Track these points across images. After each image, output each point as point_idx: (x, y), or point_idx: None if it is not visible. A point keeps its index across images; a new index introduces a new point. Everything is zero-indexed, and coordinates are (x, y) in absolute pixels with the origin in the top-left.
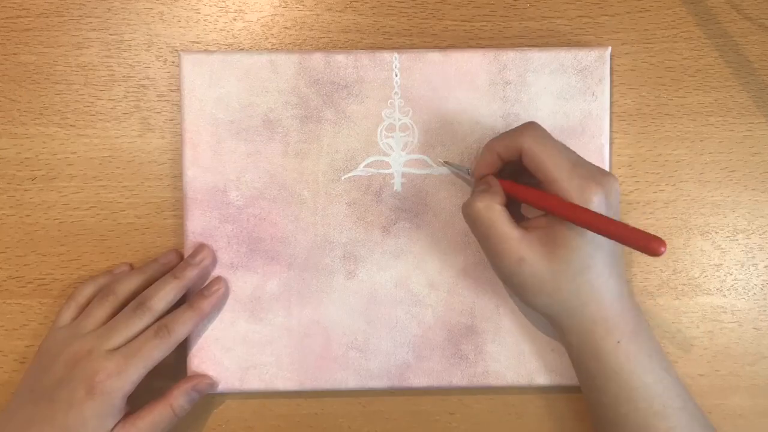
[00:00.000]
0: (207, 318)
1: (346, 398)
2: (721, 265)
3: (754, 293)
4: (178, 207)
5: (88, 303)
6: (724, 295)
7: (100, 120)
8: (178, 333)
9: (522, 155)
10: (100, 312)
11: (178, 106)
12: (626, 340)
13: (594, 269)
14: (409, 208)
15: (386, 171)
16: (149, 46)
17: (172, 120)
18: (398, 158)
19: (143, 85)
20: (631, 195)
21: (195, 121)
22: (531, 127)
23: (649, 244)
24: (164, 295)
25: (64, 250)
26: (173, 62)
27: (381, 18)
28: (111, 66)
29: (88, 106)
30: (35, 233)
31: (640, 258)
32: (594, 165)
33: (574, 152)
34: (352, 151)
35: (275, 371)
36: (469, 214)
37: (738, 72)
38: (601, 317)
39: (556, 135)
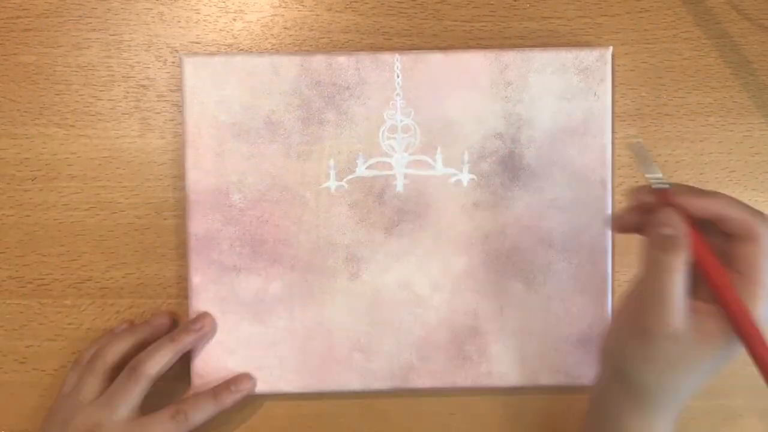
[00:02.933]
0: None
1: (347, 399)
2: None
3: None
4: (178, 207)
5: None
6: None
7: (100, 120)
8: (196, 422)
9: (746, 239)
10: (93, 379)
11: (177, 106)
12: None
13: (706, 374)
14: (412, 209)
15: (388, 172)
16: (149, 47)
17: (172, 120)
18: (400, 159)
19: (143, 86)
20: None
21: (197, 123)
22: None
23: None
24: (158, 360)
25: (64, 251)
26: (173, 62)
27: (381, 18)
28: (111, 66)
29: (88, 107)
30: (35, 233)
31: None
32: None
33: None
34: (354, 152)
35: (279, 373)
36: (652, 259)
37: (738, 72)
38: (667, 415)
39: (558, 135)
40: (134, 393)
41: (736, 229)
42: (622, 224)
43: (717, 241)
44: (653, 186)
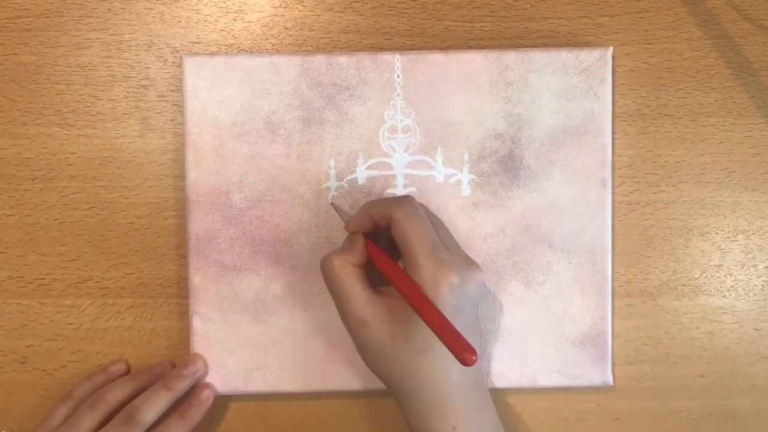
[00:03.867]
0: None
1: (346, 399)
2: (721, 265)
3: (754, 294)
4: (178, 207)
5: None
6: (724, 296)
7: (101, 120)
8: (149, 418)
9: (391, 226)
10: (89, 421)
11: (178, 106)
12: (462, 427)
13: (435, 351)
14: None
15: (388, 173)
16: (149, 47)
17: (172, 120)
18: (400, 160)
19: (143, 86)
20: (631, 196)
21: (197, 123)
22: (405, 201)
23: (462, 353)
24: (154, 407)
25: (64, 250)
26: (173, 62)
27: (381, 18)
28: (111, 66)
29: (89, 107)
30: (35, 233)
31: (640, 258)
32: (462, 253)
33: (447, 236)
34: (354, 152)
35: (279, 373)
36: (324, 268)
37: (738, 73)
38: (439, 401)
39: (558, 135)
40: None
41: (384, 223)
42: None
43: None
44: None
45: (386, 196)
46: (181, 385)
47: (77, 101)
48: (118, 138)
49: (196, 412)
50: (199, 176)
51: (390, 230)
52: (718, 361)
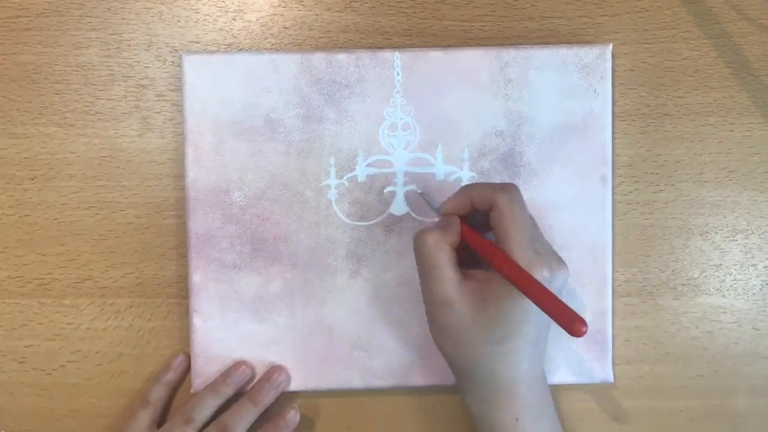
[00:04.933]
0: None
1: (345, 398)
2: (721, 265)
3: (754, 293)
4: (177, 207)
5: (163, 406)
6: (724, 296)
7: (100, 120)
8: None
9: (492, 209)
10: None
11: (177, 105)
12: (525, 418)
13: (513, 341)
14: (412, 206)
15: (389, 170)
16: (149, 46)
17: (171, 120)
18: (400, 157)
19: (143, 85)
20: (630, 195)
21: (197, 121)
22: (512, 188)
23: (572, 323)
24: (242, 423)
25: (64, 250)
26: (173, 62)
27: (380, 18)
28: (110, 66)
29: (88, 106)
30: (35, 233)
31: (639, 258)
32: (553, 251)
33: (541, 233)
34: (354, 150)
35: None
36: (417, 243)
37: (737, 72)
38: (506, 390)
39: (558, 133)
40: None
41: (484, 207)
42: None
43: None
44: (437, 209)
45: (485, 182)
46: (266, 400)
47: (76, 101)
48: (117, 138)
49: (268, 398)
50: (198, 174)
51: (487, 214)
52: (718, 360)
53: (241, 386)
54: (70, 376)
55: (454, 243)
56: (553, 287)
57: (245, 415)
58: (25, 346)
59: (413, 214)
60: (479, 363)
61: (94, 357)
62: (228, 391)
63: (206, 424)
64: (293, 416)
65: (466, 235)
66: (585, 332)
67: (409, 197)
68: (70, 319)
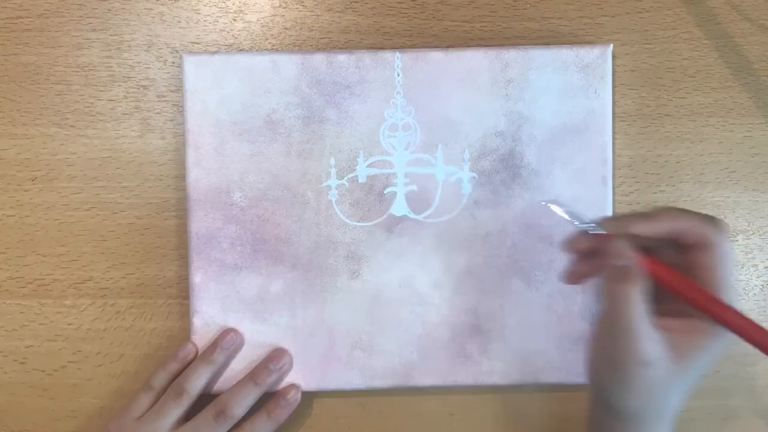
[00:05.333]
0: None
1: (345, 399)
2: None
3: (754, 294)
4: (178, 207)
5: (163, 392)
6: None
7: (100, 120)
8: (238, 413)
9: (703, 248)
10: (175, 413)
11: (178, 106)
12: None
13: (698, 377)
14: (413, 207)
15: (389, 171)
16: (149, 47)
17: (172, 120)
18: (401, 158)
19: (143, 86)
20: (631, 196)
21: (197, 122)
22: (725, 226)
23: None
24: (243, 402)
25: (64, 251)
26: (173, 63)
27: (381, 19)
28: (111, 66)
29: (88, 107)
30: (35, 234)
31: None
32: None
33: None
34: (354, 150)
35: None
36: (614, 292)
37: (738, 73)
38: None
39: (558, 133)
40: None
41: (691, 240)
42: (576, 276)
43: (666, 255)
44: (591, 232)
45: (691, 210)
46: (269, 380)
47: (77, 101)
48: (117, 138)
49: (284, 413)
50: (199, 175)
51: (676, 245)
52: (718, 361)
53: (232, 353)
54: (71, 377)
55: (646, 287)
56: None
57: (246, 394)
58: (26, 347)
59: (414, 215)
60: (654, 408)
61: (94, 357)
62: (219, 358)
63: (200, 396)
64: (294, 395)
65: (655, 271)
66: None
67: (409, 198)
68: (71, 320)
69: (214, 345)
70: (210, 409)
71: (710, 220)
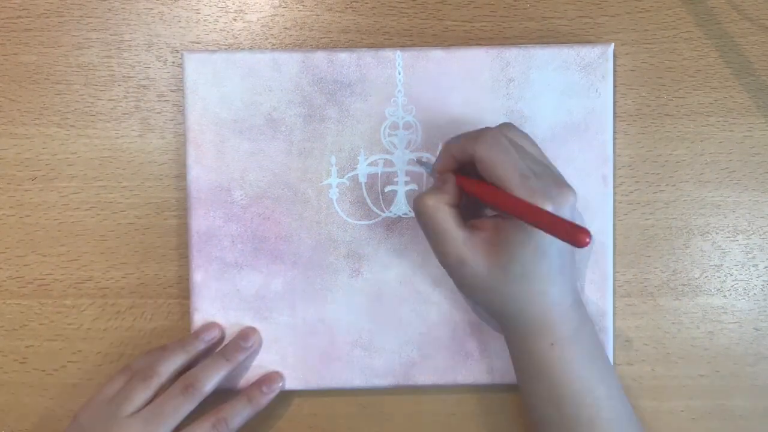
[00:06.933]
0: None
1: (345, 398)
2: (722, 265)
3: (755, 294)
4: (178, 207)
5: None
6: (725, 296)
7: (101, 120)
8: (234, 426)
9: (475, 162)
10: (142, 395)
11: (178, 106)
12: (561, 343)
13: (534, 276)
14: (413, 206)
15: (390, 169)
16: (149, 47)
17: (172, 120)
18: (402, 156)
19: (143, 86)
20: (631, 195)
21: (198, 120)
22: (486, 133)
23: (576, 236)
24: (214, 377)
25: (64, 251)
26: (173, 62)
27: (381, 18)
28: (111, 66)
29: (88, 107)
30: (35, 233)
31: (640, 258)
32: (552, 177)
33: (534, 161)
34: (355, 149)
35: (280, 370)
36: (417, 209)
37: (738, 72)
38: (538, 320)
39: (559, 132)
40: (185, 409)
41: (468, 161)
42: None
43: None
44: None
45: (465, 132)
46: (239, 357)
47: (77, 101)
48: (118, 138)
49: (264, 399)
50: (200, 173)
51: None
52: (718, 361)
53: (211, 346)
54: (71, 377)
55: (454, 200)
56: (562, 215)
57: (216, 369)
58: (26, 347)
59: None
60: (507, 304)
61: (95, 357)
62: (198, 346)
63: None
64: (276, 382)
65: (464, 185)
66: (588, 242)
67: (410, 196)
68: (71, 320)
69: (195, 334)
70: (178, 384)
71: (471, 136)
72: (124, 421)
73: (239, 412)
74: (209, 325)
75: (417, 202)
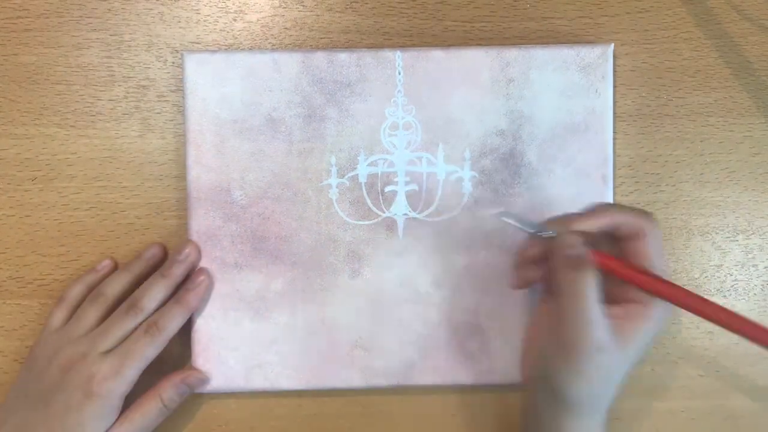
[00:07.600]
0: (195, 310)
1: (346, 399)
2: (722, 265)
3: (755, 294)
4: (178, 207)
5: (79, 304)
6: (725, 296)
7: (100, 120)
8: (168, 329)
9: (637, 238)
10: (92, 315)
11: (178, 106)
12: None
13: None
14: (413, 206)
15: (390, 169)
16: (149, 47)
17: (172, 120)
18: (402, 157)
19: (143, 86)
20: (631, 196)
21: (198, 120)
22: (653, 218)
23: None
24: (154, 295)
25: (64, 251)
26: (173, 63)
27: (381, 18)
28: (111, 66)
29: (88, 107)
30: (35, 234)
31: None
32: None
33: None
34: (355, 149)
35: (280, 370)
36: (569, 277)
37: (738, 72)
38: (604, 407)
39: (559, 132)
40: (128, 327)
41: (626, 232)
42: (524, 281)
43: (602, 248)
44: (544, 237)
45: (625, 205)
46: (177, 272)
47: (77, 101)
48: (118, 138)
49: (193, 297)
50: (200, 173)
51: (616, 238)
52: (718, 360)
53: (153, 264)
54: None
55: (597, 275)
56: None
57: (156, 288)
58: (26, 347)
59: (414, 214)
60: (606, 393)
61: None
62: (140, 265)
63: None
64: (202, 279)
65: (601, 260)
66: None
67: (409, 197)
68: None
69: (137, 256)
70: (123, 305)
71: (643, 213)
72: (73, 340)
73: (169, 315)
74: (150, 245)
75: (572, 274)
